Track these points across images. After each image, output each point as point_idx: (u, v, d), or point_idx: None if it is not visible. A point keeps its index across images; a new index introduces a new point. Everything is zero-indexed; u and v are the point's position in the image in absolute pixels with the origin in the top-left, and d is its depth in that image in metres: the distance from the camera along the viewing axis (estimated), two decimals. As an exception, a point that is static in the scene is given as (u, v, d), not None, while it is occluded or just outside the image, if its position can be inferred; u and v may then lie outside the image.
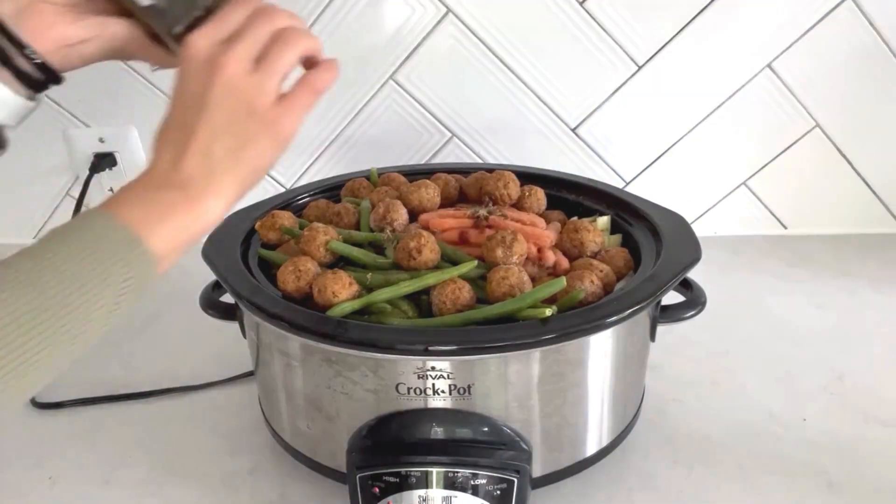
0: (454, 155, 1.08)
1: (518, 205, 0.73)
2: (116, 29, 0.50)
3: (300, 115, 0.48)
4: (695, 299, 0.64)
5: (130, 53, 0.52)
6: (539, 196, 0.74)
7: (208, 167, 0.46)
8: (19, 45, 0.46)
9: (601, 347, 0.58)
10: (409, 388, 0.55)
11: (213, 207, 0.46)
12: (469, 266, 0.60)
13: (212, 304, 0.66)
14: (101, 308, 0.43)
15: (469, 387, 0.54)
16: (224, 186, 0.46)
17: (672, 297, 0.62)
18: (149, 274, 0.44)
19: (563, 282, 0.57)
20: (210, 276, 0.64)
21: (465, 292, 0.57)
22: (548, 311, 0.53)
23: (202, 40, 0.46)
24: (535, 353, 0.54)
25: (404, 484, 0.55)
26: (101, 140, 1.08)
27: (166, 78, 0.49)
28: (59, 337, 0.41)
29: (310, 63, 0.50)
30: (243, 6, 0.48)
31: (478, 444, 0.56)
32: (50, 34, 0.47)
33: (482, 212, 0.68)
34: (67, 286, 0.41)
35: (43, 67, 0.48)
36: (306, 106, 0.48)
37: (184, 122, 0.46)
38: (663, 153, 1.06)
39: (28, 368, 0.39)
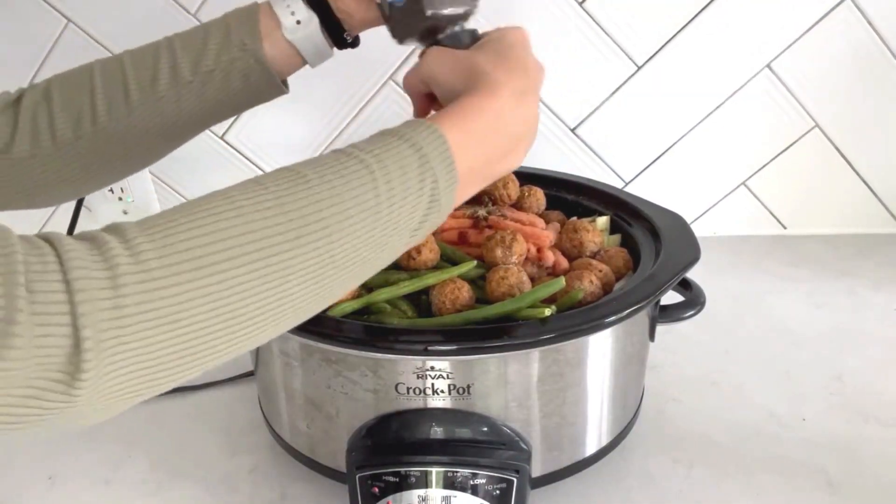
0: (454, 155, 1.08)
1: (517, 205, 0.73)
2: None
3: None
4: (694, 299, 0.64)
5: None
6: (538, 196, 0.74)
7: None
8: (342, 30, 0.59)
9: (600, 347, 0.58)
10: (408, 388, 0.55)
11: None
12: (468, 266, 0.60)
13: (211, 304, 0.66)
14: (411, 219, 0.42)
15: (468, 387, 0.54)
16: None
17: (671, 297, 0.63)
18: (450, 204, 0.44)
19: (562, 282, 0.57)
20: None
21: (465, 292, 0.58)
22: (547, 311, 0.53)
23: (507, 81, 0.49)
24: (535, 353, 0.55)
25: (404, 484, 0.55)
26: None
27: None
28: (377, 237, 0.40)
29: None
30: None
31: (477, 444, 0.56)
32: (358, 20, 0.59)
33: (481, 212, 0.68)
34: (399, 185, 0.41)
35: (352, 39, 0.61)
36: None
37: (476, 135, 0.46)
38: (663, 153, 1.06)
39: (349, 266, 0.40)
